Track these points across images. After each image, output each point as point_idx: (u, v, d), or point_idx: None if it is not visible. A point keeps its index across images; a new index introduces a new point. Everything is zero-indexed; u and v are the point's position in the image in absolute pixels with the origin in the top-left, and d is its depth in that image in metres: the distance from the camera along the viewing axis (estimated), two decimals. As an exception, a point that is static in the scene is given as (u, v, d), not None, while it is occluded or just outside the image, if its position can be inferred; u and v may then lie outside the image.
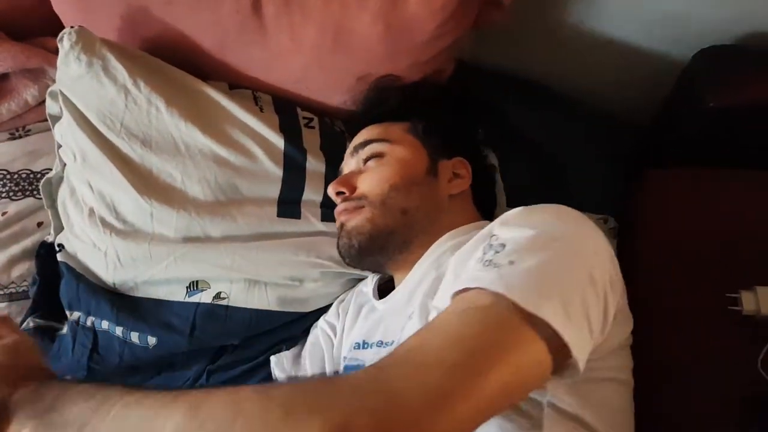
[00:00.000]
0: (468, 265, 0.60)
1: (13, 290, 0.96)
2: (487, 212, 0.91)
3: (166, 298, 0.91)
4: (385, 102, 0.91)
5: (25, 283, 0.96)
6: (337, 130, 1.00)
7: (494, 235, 0.61)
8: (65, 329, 0.93)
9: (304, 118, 0.99)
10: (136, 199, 0.89)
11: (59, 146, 0.97)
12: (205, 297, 0.89)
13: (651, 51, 1.07)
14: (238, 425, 0.44)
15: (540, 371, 0.52)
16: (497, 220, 0.64)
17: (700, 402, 0.88)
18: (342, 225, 0.82)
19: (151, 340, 0.88)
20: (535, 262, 0.55)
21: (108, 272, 0.92)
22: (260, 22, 0.93)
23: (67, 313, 0.93)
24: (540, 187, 1.05)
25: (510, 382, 0.50)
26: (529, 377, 0.52)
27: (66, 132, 0.94)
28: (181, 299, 0.90)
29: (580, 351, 0.52)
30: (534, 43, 1.10)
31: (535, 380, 0.54)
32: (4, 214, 0.98)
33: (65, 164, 0.96)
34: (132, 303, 0.91)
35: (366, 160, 0.84)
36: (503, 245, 0.58)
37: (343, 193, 0.82)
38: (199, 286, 0.91)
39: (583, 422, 0.61)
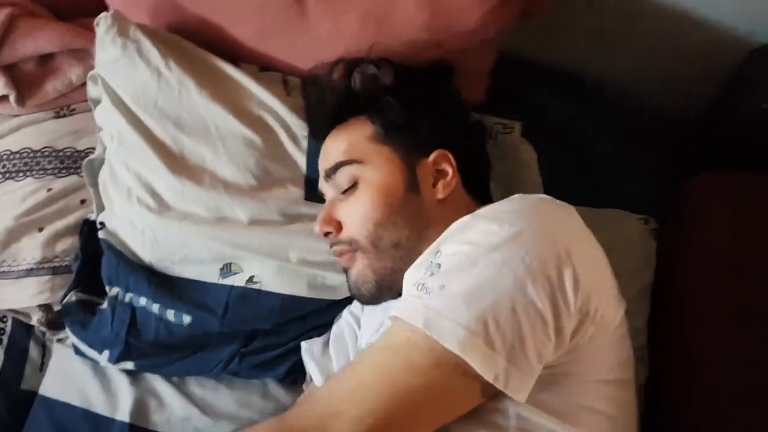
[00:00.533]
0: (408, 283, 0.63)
1: (57, 264, 0.99)
2: (480, 188, 0.86)
3: (201, 279, 0.93)
4: (335, 99, 0.85)
5: (69, 258, 0.99)
6: None
7: (438, 251, 0.63)
8: (105, 304, 0.96)
9: None
10: (168, 178, 0.92)
11: (100, 129, 0.99)
12: (238, 280, 0.91)
13: (701, 47, 1.04)
14: None
15: (465, 401, 0.58)
16: (446, 231, 0.65)
17: (729, 404, 0.87)
18: (346, 271, 0.80)
19: (186, 319, 0.90)
20: (463, 287, 0.58)
21: (145, 250, 0.94)
22: (302, 9, 0.92)
23: (107, 288, 0.96)
24: (579, 183, 1.03)
25: (422, 421, 0.57)
26: (448, 411, 0.59)
27: (105, 114, 0.97)
28: (215, 281, 0.92)
29: (510, 383, 0.56)
30: (579, 36, 1.07)
31: (460, 409, 0.59)
32: (49, 190, 1.01)
33: (105, 147, 0.98)
34: (168, 281, 0.94)
35: (344, 192, 0.79)
36: (439, 265, 0.61)
37: (330, 233, 0.79)
38: (232, 269, 0.93)
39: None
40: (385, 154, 0.78)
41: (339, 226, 0.79)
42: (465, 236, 0.63)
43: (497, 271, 0.58)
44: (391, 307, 0.67)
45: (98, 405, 0.95)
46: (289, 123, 0.95)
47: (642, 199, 1.02)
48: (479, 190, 0.84)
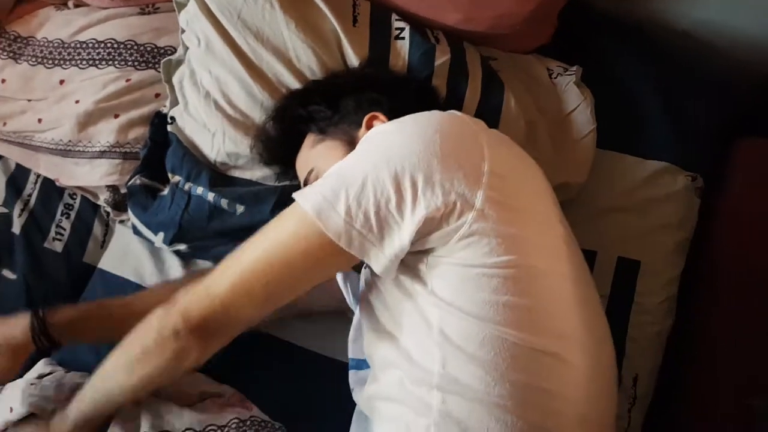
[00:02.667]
0: None
1: (128, 150, 1.06)
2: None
3: (259, 181, 0.99)
4: (282, 135, 0.92)
5: (139, 146, 1.06)
6: (429, 41, 0.99)
7: None
8: (166, 191, 1.03)
9: (396, 29, 1.00)
10: (250, 87, 0.96)
11: (182, 31, 1.04)
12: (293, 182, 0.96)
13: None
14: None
15: (325, 261, 0.69)
16: None
17: (758, 366, 0.89)
18: None
19: (239, 208, 0.96)
20: (337, 169, 0.69)
21: (212, 152, 1.00)
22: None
23: (169, 175, 1.02)
24: (630, 134, 1.05)
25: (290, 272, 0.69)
26: (312, 269, 0.70)
27: (192, 19, 1.01)
28: (272, 183, 0.99)
29: (353, 244, 0.66)
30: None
31: (324, 269, 0.72)
32: (128, 80, 1.08)
33: (187, 48, 1.04)
34: (228, 179, 1.00)
35: None
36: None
37: None
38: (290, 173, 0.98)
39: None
40: (328, 146, 0.86)
41: None
42: (363, 143, 0.73)
43: (365, 155, 0.70)
44: None
45: (151, 282, 1.03)
46: (347, 56, 0.98)
47: (692, 156, 1.03)
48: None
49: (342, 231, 0.66)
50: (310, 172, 0.86)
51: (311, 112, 0.89)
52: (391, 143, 0.69)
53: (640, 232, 1.01)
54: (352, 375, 0.85)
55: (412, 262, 0.69)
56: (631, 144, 1.04)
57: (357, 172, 0.67)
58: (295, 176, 0.95)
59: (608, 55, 1.08)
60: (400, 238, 0.66)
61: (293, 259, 0.68)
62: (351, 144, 0.83)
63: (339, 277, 0.91)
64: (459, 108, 0.95)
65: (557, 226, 0.72)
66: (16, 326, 0.79)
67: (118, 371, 0.74)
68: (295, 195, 0.71)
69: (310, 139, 0.89)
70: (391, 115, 0.80)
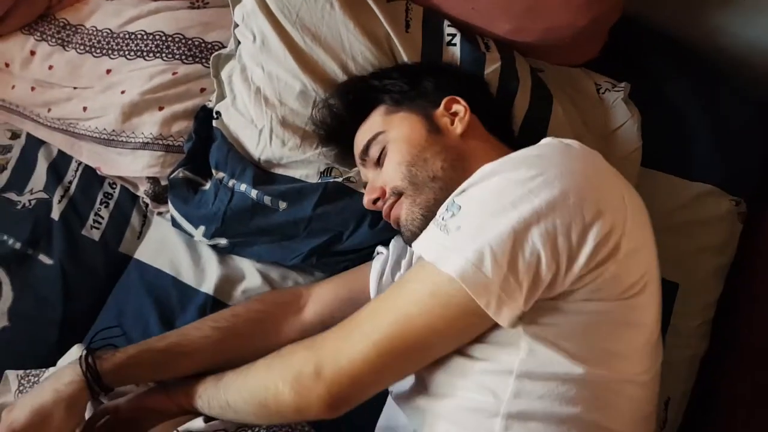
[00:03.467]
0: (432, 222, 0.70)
1: (171, 143, 1.07)
2: (505, 129, 0.91)
3: (302, 179, 0.99)
4: (349, 104, 0.91)
5: (182, 139, 1.07)
6: (480, 49, 0.99)
7: (463, 191, 0.69)
8: (208, 185, 1.04)
9: (448, 35, 1.00)
10: (304, 85, 0.96)
11: (236, 26, 1.04)
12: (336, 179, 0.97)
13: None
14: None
15: (462, 328, 0.67)
16: (476, 173, 0.69)
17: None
18: (397, 222, 0.85)
19: (282, 205, 0.97)
20: (475, 225, 0.65)
21: (258, 149, 1.01)
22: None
23: (213, 171, 1.03)
24: (675, 154, 1.04)
25: (425, 343, 0.67)
26: (448, 337, 0.68)
27: (248, 14, 1.01)
28: (314, 181, 0.98)
29: (502, 310, 0.63)
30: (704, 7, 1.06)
31: (459, 336, 0.68)
32: (174, 73, 1.08)
33: (239, 43, 1.04)
34: (271, 177, 1.00)
35: (378, 161, 0.86)
36: (460, 207, 0.68)
37: (377, 199, 0.85)
38: (332, 173, 0.98)
39: (560, 347, 0.65)
40: (402, 117, 0.86)
41: (383, 190, 0.85)
42: (489, 181, 0.68)
43: (507, 210, 0.64)
44: None
45: (186, 275, 1.03)
46: (399, 61, 0.97)
47: (738, 181, 1.02)
48: (501, 130, 0.89)
49: (492, 298, 0.62)
50: (377, 134, 0.85)
51: (387, 84, 0.88)
52: (537, 194, 0.63)
53: (680, 254, 1.00)
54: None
55: None
56: (676, 164, 1.03)
57: (501, 229, 0.63)
58: (346, 160, 0.95)
59: (657, 72, 1.07)
60: (542, 295, 0.64)
61: (435, 326, 0.66)
62: (428, 119, 0.84)
63: (372, 283, 0.91)
64: (509, 116, 0.95)
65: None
66: (65, 377, 0.76)
67: (248, 410, 0.74)
68: (425, 253, 0.67)
69: (380, 110, 0.89)
70: (470, 105, 0.83)
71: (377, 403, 0.87)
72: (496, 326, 0.67)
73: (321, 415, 0.69)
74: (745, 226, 1.02)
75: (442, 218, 0.68)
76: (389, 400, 0.84)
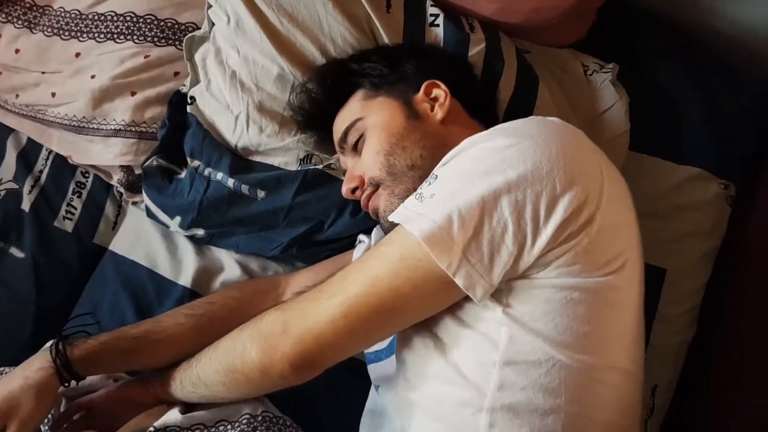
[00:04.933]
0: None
1: (144, 129, 1.03)
2: (487, 113, 0.88)
3: (281, 166, 0.96)
4: (327, 89, 0.89)
5: (155, 126, 1.03)
6: (464, 30, 0.96)
7: (445, 164, 0.68)
8: (183, 174, 1.00)
9: (431, 15, 0.96)
10: (282, 68, 0.93)
11: (209, 6, 1.00)
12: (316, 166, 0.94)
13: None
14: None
15: (430, 295, 0.66)
16: (456, 147, 0.69)
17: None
18: (376, 212, 0.83)
19: (261, 194, 0.93)
20: (448, 191, 0.64)
21: (234, 135, 0.97)
22: None
23: (188, 159, 0.99)
24: (663, 137, 1.02)
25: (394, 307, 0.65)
26: (416, 302, 0.66)
27: None
28: (294, 168, 0.95)
29: (461, 273, 0.62)
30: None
31: (427, 303, 0.67)
32: (146, 57, 1.04)
33: (213, 24, 1.00)
34: (249, 164, 0.97)
35: (356, 149, 0.83)
36: (437, 176, 0.68)
37: (356, 188, 0.83)
38: (312, 160, 0.95)
39: (540, 332, 0.64)
40: (380, 102, 0.84)
41: (361, 179, 0.82)
42: (466, 151, 0.67)
43: (480, 178, 0.63)
44: None
45: (163, 267, 1.00)
46: (380, 43, 0.94)
47: (727, 164, 1.00)
48: (484, 114, 0.87)
49: (454, 261, 0.62)
50: (355, 121, 0.83)
51: (366, 68, 0.86)
52: (510, 162, 0.63)
53: (667, 239, 0.98)
54: (374, 369, 0.83)
55: None
56: (664, 148, 1.01)
57: (471, 195, 0.63)
58: (326, 147, 0.92)
59: (646, 54, 1.04)
60: (510, 271, 0.63)
61: (401, 290, 0.65)
62: (407, 105, 0.82)
63: None
64: (492, 99, 0.92)
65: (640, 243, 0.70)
66: (34, 364, 0.75)
67: (217, 379, 0.74)
68: (397, 218, 0.67)
69: (358, 95, 0.86)
70: (451, 89, 0.80)
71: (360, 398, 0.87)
72: (474, 310, 0.66)
73: (285, 375, 0.68)
74: (734, 209, 1.01)
75: (420, 188, 0.68)
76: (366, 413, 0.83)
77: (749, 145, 1.02)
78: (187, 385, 0.77)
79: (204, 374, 0.75)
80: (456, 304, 0.68)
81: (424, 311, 0.68)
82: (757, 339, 0.91)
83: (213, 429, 0.76)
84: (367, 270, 0.67)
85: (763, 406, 0.86)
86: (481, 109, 0.87)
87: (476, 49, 0.93)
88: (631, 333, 0.68)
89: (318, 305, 0.67)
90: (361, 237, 0.93)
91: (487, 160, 0.64)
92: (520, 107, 0.93)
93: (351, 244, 0.94)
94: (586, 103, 1.00)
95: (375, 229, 0.91)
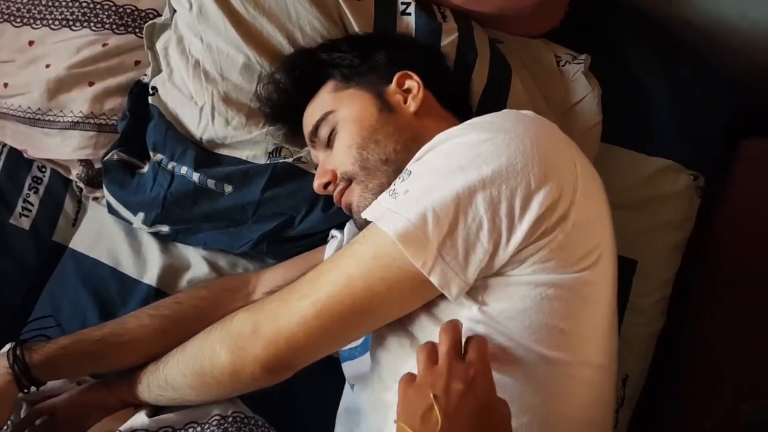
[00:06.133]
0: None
1: (103, 122, 0.98)
2: (461, 105, 0.87)
3: (249, 160, 0.93)
4: (296, 79, 0.86)
5: (115, 117, 0.99)
6: (436, 19, 0.93)
7: (418, 159, 0.67)
8: (146, 168, 0.96)
9: (402, 3, 0.93)
10: (248, 57, 0.90)
11: (171, -8, 0.96)
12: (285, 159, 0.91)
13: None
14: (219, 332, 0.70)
15: (404, 293, 0.64)
16: (430, 142, 0.67)
17: (751, 370, 0.88)
18: (349, 208, 0.81)
19: (227, 188, 0.91)
20: (420, 187, 0.63)
21: (199, 128, 0.94)
22: None
23: (151, 153, 0.96)
24: (634, 127, 1.02)
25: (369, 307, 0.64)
26: (390, 302, 0.65)
27: None
28: (262, 162, 0.92)
29: (436, 271, 0.61)
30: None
31: (401, 302, 0.66)
32: (104, 45, 0.99)
33: (175, 11, 0.96)
34: (215, 158, 0.94)
35: (328, 143, 0.81)
36: (410, 172, 0.66)
37: (328, 183, 0.81)
38: (282, 153, 0.92)
39: (516, 330, 0.64)
40: (351, 94, 0.81)
41: (334, 174, 0.80)
42: (440, 146, 0.66)
43: (455, 174, 0.62)
44: None
45: (127, 266, 0.97)
46: (350, 31, 0.91)
47: (696, 155, 1.00)
48: (457, 106, 0.85)
49: (429, 259, 0.61)
50: (326, 114, 0.80)
51: (336, 58, 0.83)
52: (485, 158, 0.62)
53: (638, 230, 0.98)
54: (348, 367, 0.82)
55: None
56: (635, 140, 1.00)
57: (445, 192, 0.61)
58: (296, 139, 0.89)
59: (618, 44, 1.03)
60: (485, 269, 0.62)
61: (375, 289, 0.64)
62: (379, 97, 0.80)
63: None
64: (466, 91, 0.91)
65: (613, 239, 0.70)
66: None
67: (185, 382, 0.72)
68: (370, 216, 0.65)
69: (329, 86, 0.83)
70: (424, 80, 0.78)
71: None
72: (449, 308, 0.65)
73: (257, 377, 0.67)
74: (703, 200, 1.02)
75: (393, 185, 0.67)
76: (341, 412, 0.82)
77: (717, 137, 1.02)
78: (154, 388, 0.74)
79: (172, 378, 0.73)
80: (431, 302, 0.67)
81: (398, 310, 0.67)
82: (727, 330, 0.93)
83: (182, 431, 0.75)
84: (340, 269, 0.65)
85: (729, 396, 0.88)
86: (455, 101, 0.85)
87: (449, 39, 0.91)
88: (604, 328, 0.68)
89: (290, 306, 0.66)
90: (334, 232, 0.91)
91: (462, 156, 0.63)
92: (493, 99, 0.91)
93: (323, 240, 0.92)
94: (559, 94, 0.99)
95: (348, 224, 0.89)
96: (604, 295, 0.67)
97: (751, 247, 0.96)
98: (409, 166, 0.67)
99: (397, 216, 0.62)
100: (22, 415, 0.79)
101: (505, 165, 0.61)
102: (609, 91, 0.99)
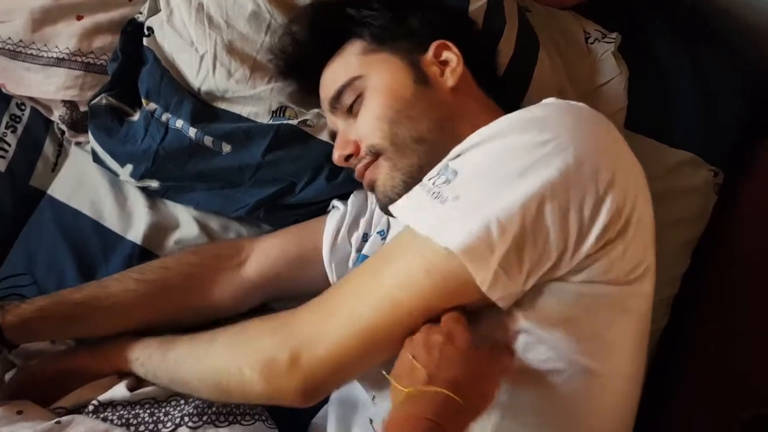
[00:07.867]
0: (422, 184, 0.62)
1: (91, 60, 0.90)
2: (496, 85, 0.81)
3: (249, 117, 0.86)
4: (316, 34, 0.79)
5: (105, 57, 0.91)
6: None
7: (459, 155, 0.61)
8: (137, 116, 0.89)
9: None
10: (257, 5, 0.83)
11: None
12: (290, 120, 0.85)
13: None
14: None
15: (458, 300, 0.59)
16: (472, 135, 0.62)
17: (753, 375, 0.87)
18: (372, 185, 0.74)
19: (226, 148, 0.84)
20: (479, 196, 0.57)
21: (198, 77, 0.86)
22: None
23: (143, 100, 0.88)
24: (659, 118, 0.97)
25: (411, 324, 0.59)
26: (445, 305, 0.59)
27: None
28: (264, 121, 0.85)
29: (497, 288, 0.56)
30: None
31: (452, 304, 0.60)
32: (97, -25, 0.90)
33: (176, -59, 0.87)
34: (213, 112, 0.87)
35: (350, 109, 0.74)
36: (456, 172, 0.60)
37: (350, 155, 0.74)
38: (286, 114, 0.86)
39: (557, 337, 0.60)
40: (383, 59, 0.74)
41: (357, 146, 0.73)
42: (491, 144, 0.60)
43: (517, 179, 0.57)
44: None
45: (110, 220, 0.90)
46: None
47: (718, 150, 0.96)
48: (493, 86, 0.79)
49: (490, 275, 0.56)
50: (353, 79, 0.73)
51: (366, 16, 0.75)
52: (549, 162, 0.56)
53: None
54: None
55: None
56: (659, 129, 0.96)
57: (510, 201, 0.56)
58: (303, 99, 0.83)
59: (646, 26, 0.97)
60: (544, 275, 0.58)
61: (424, 306, 0.59)
62: (414, 66, 0.73)
63: (325, 256, 0.82)
64: (493, 61, 0.84)
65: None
66: None
67: (202, 388, 0.68)
68: (417, 225, 0.59)
69: (356, 46, 0.76)
70: (462, 52, 0.72)
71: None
72: (491, 314, 0.60)
73: (294, 404, 0.64)
74: (719, 197, 0.98)
75: (434, 183, 0.60)
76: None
77: (741, 133, 0.98)
78: (162, 377, 0.71)
79: (188, 379, 0.69)
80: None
81: (434, 317, 0.62)
82: (731, 333, 0.91)
83: (165, 404, 0.70)
84: (385, 290, 0.60)
85: (730, 399, 0.86)
86: (491, 81, 0.78)
87: (478, 3, 0.83)
88: (638, 339, 0.65)
89: (331, 332, 0.61)
90: (335, 203, 0.85)
91: (523, 158, 0.58)
92: (519, 74, 0.85)
93: (322, 210, 0.87)
94: (584, 73, 0.93)
95: (352, 195, 0.84)
96: (647, 307, 0.64)
97: (762, 250, 0.93)
98: (452, 163, 0.61)
99: (455, 226, 0.57)
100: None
101: (573, 169, 0.56)
102: (636, 75, 0.94)
